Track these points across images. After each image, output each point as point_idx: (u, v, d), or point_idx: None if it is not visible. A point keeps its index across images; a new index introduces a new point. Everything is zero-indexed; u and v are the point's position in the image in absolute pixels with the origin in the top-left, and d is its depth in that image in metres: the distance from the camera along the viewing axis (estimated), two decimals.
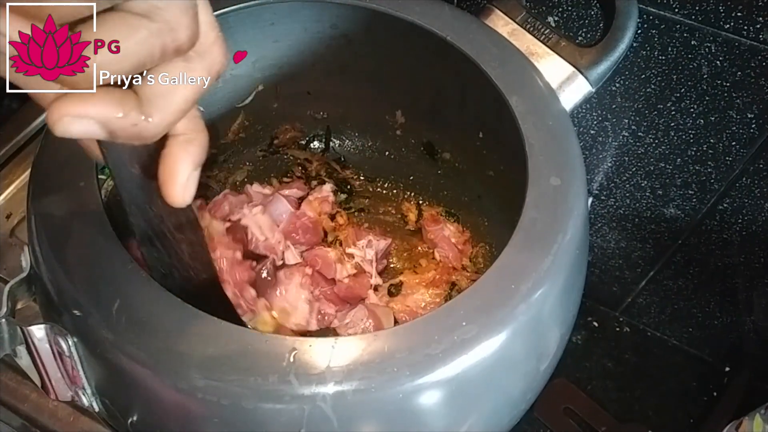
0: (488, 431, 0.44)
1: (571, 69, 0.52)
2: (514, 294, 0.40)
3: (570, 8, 0.58)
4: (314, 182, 0.69)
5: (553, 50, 0.53)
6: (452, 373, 0.37)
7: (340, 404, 0.36)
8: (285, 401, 0.36)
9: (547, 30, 0.54)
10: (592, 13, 0.57)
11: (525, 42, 0.54)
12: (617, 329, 0.81)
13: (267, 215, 0.61)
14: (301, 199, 0.65)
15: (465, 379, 0.38)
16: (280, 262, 0.61)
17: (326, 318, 0.60)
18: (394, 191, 0.71)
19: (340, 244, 0.62)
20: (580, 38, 0.59)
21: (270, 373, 0.36)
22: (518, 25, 0.55)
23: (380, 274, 0.62)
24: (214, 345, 0.36)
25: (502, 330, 0.39)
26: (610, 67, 0.53)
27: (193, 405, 0.36)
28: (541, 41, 0.54)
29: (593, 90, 0.53)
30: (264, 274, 0.58)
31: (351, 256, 0.60)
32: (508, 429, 0.47)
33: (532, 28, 0.55)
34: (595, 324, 0.81)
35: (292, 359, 0.36)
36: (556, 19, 0.58)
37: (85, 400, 0.41)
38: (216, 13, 0.53)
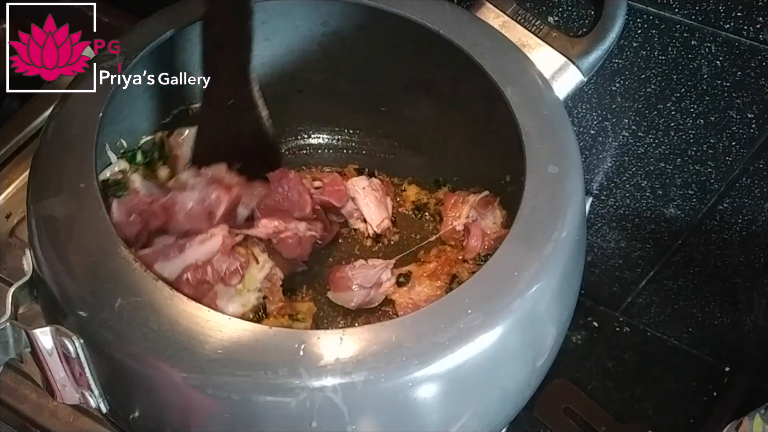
0: (491, 420, 0.44)
1: (563, 59, 0.53)
2: (517, 281, 0.41)
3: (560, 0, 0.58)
4: None
5: (545, 41, 0.54)
6: (460, 360, 0.38)
7: (350, 395, 0.36)
8: (296, 394, 0.36)
9: (538, 21, 0.55)
10: (582, 3, 0.57)
11: (516, 34, 0.55)
12: (617, 329, 0.81)
13: None
14: None
15: (472, 366, 0.38)
16: None
17: None
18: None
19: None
20: (571, 28, 0.59)
21: (280, 366, 0.36)
22: (509, 17, 0.56)
23: None
24: (222, 340, 0.37)
25: (507, 316, 0.39)
26: (602, 56, 0.53)
27: (204, 401, 0.37)
28: (532, 32, 0.55)
29: (585, 79, 0.53)
30: None
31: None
32: (509, 419, 0.48)
33: (522, 20, 0.55)
34: (595, 324, 0.81)
35: (301, 352, 0.36)
36: (546, 9, 0.58)
37: (92, 402, 0.41)
38: None
